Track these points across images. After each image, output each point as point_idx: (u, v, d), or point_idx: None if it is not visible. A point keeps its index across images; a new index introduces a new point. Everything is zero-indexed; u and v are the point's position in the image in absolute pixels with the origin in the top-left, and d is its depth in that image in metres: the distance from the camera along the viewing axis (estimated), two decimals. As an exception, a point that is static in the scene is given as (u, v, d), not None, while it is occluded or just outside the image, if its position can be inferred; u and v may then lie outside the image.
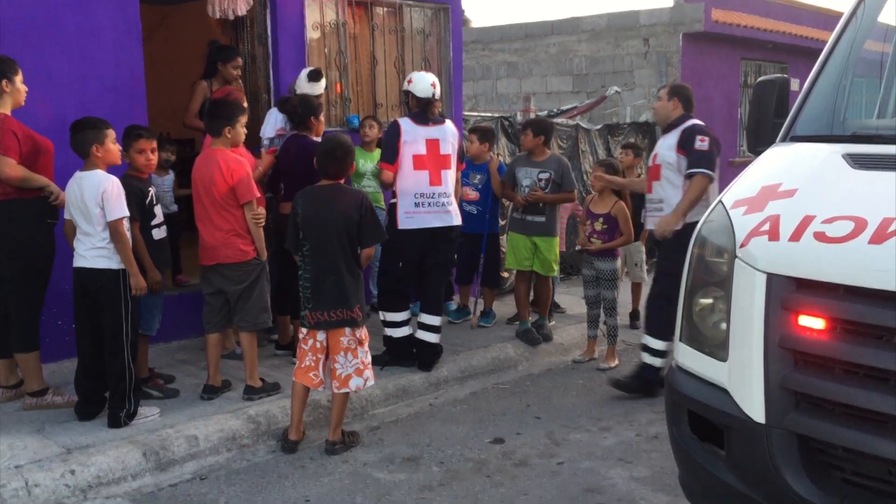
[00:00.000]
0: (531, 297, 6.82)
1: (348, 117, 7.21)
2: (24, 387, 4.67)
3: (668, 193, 5.43)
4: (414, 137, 5.55)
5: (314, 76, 6.09)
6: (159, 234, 4.86)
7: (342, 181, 4.49)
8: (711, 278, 2.95)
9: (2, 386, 4.78)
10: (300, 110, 5.55)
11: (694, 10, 10.87)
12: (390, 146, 5.56)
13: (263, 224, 4.81)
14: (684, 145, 5.34)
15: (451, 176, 5.69)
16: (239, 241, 4.72)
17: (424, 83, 5.65)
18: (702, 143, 5.27)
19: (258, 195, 4.74)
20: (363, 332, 4.44)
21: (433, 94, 5.65)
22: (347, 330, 4.38)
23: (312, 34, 6.94)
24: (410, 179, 5.55)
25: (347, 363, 4.38)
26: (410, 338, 5.73)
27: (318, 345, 4.40)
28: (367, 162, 6.91)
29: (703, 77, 11.30)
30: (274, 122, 5.86)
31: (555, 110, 11.04)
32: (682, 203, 5.29)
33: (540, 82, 12.17)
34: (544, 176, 6.45)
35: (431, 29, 7.87)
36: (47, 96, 5.40)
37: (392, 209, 5.68)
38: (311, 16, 6.92)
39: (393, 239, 5.56)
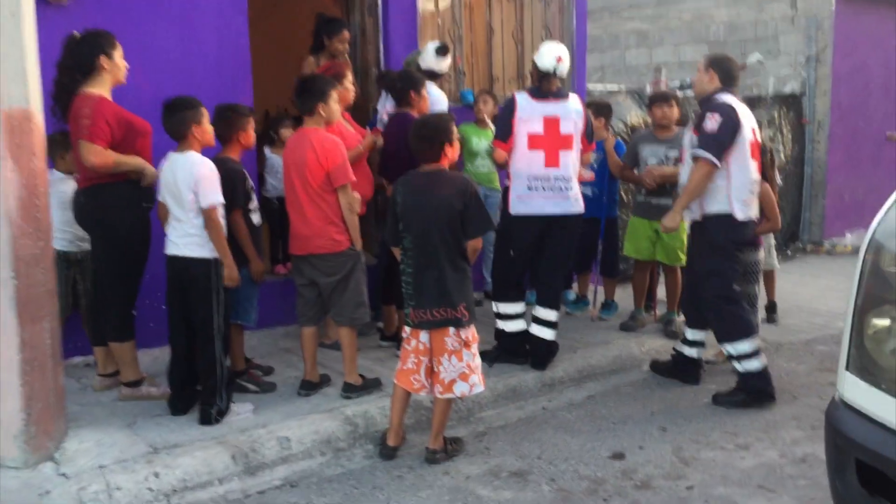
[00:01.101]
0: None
1: (462, 92, 6.77)
2: (120, 376, 4.53)
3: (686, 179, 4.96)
4: (530, 114, 5.05)
5: (442, 51, 5.69)
6: (257, 219, 4.60)
7: (446, 165, 4.05)
8: (890, 294, 2.37)
9: (99, 374, 4.66)
10: (399, 85, 5.15)
11: (850, -32, 9.77)
12: (504, 122, 5.09)
13: (359, 211, 4.44)
14: (698, 124, 4.84)
15: (572, 158, 5.15)
16: (332, 230, 4.38)
17: (549, 55, 5.09)
18: (711, 123, 4.71)
19: (353, 179, 4.37)
20: (470, 333, 4.02)
21: (554, 69, 5.09)
22: (451, 330, 3.96)
23: (425, 4, 6.53)
24: (524, 160, 5.06)
25: (451, 367, 3.98)
26: (524, 332, 5.28)
27: (421, 346, 4.02)
28: (481, 140, 6.46)
29: (858, 43, 10.19)
30: (384, 100, 5.52)
31: (688, 81, 10.23)
32: (681, 195, 4.92)
33: (672, 52, 11.32)
34: (673, 154, 5.83)
35: (553, -4, 7.30)
36: (148, 73, 5.23)
37: (505, 192, 5.22)
38: (424, -15, 6.50)
39: (504, 225, 5.12)
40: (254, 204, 4.58)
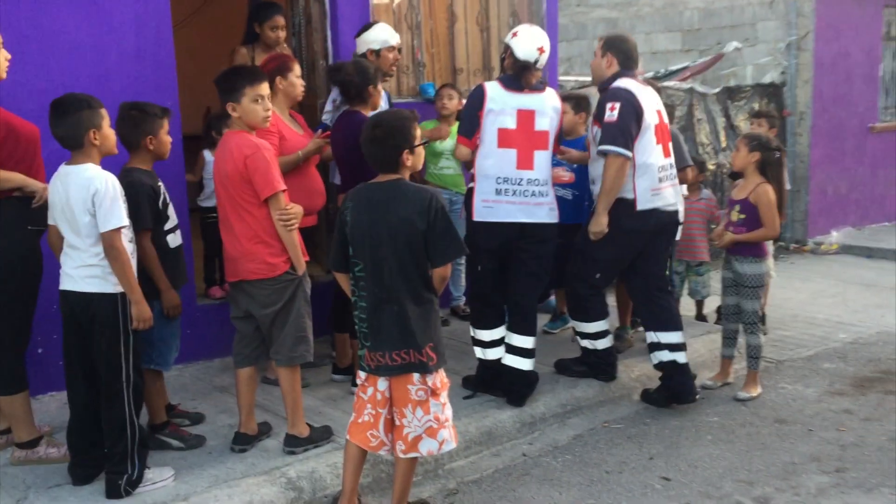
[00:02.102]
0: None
1: (422, 86, 6.03)
2: (12, 434, 3.73)
3: (597, 174, 4.63)
4: (501, 106, 4.34)
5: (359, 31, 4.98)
6: (175, 240, 3.82)
7: (406, 175, 3.30)
8: None
9: (-13, 433, 3.86)
10: (357, 79, 4.38)
11: (832, -51, 9.21)
12: (470, 116, 4.37)
13: (296, 224, 3.68)
14: (598, 116, 4.55)
15: (546, 159, 4.47)
16: (264, 251, 3.61)
17: (530, 44, 4.39)
18: (610, 113, 4.42)
19: (282, 187, 3.60)
20: (438, 379, 3.28)
21: (535, 61, 4.40)
22: (416, 377, 3.22)
23: (378, -14, 5.76)
24: (492, 159, 4.36)
25: (416, 420, 3.24)
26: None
27: (380, 396, 3.27)
28: (445, 139, 5.73)
29: (840, 29, 9.64)
30: (330, 96, 4.77)
31: (662, 71, 9.61)
32: (600, 196, 4.53)
33: (644, 40, 10.68)
34: None
35: (521, -22, 6.58)
36: (49, 66, 4.41)
37: (469, 196, 4.50)
38: (377, -36, 5.74)
39: (468, 233, 4.40)
40: (171, 223, 3.80)
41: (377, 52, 4.88)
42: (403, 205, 3.17)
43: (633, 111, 4.42)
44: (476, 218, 4.39)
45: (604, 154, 4.45)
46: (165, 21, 4.80)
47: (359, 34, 4.98)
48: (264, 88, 3.67)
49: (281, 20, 5.36)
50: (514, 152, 4.36)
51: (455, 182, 5.84)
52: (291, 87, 4.41)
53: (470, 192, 4.49)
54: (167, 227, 3.79)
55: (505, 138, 4.35)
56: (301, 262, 3.70)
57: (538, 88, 4.46)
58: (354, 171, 4.07)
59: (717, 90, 8.82)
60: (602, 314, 4.83)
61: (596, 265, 4.70)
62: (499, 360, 4.54)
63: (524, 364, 4.52)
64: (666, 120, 4.74)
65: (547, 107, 4.44)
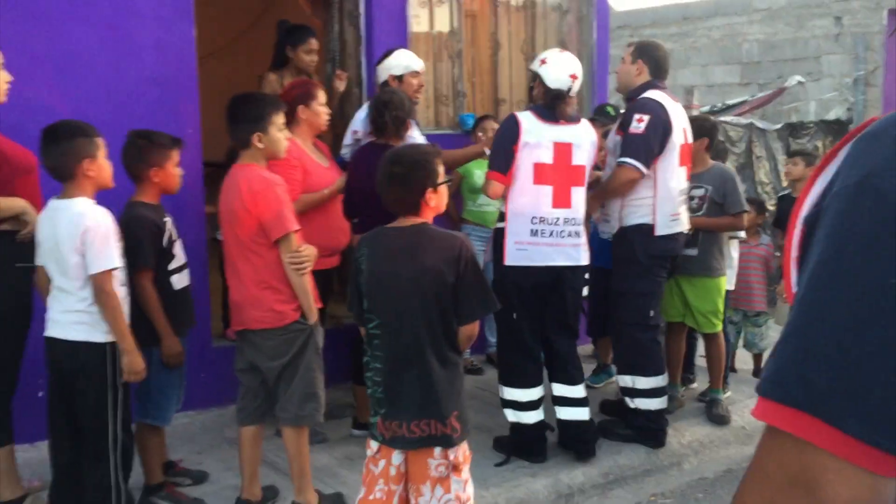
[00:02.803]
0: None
1: (462, 117, 5.68)
2: (-3, 491, 3.41)
3: None
4: (538, 139, 3.97)
5: (380, 58, 4.63)
6: (181, 281, 3.50)
7: (430, 217, 2.91)
8: None
9: (-29, 487, 3.54)
10: (402, 113, 4.00)
11: (905, -20, 8.69)
12: (504, 149, 3.99)
13: (309, 268, 3.31)
14: (623, 125, 4.26)
15: (582, 196, 4.12)
16: (272, 298, 3.24)
17: (561, 70, 4.04)
18: (637, 125, 4.14)
19: (295, 228, 3.24)
20: (461, 452, 2.86)
21: (569, 88, 4.05)
22: (437, 451, 2.80)
23: (417, 10, 5.45)
24: (528, 197, 3.98)
25: (435, 500, 2.82)
26: (543, 424, 4.15)
27: (394, 470, 2.85)
28: (483, 174, 5.35)
29: (912, 63, 9.06)
30: (351, 126, 4.42)
31: (719, 105, 9.14)
32: (597, 191, 4.41)
33: (701, 73, 10.23)
34: (698, 193, 4.72)
35: (570, 5, 6.22)
36: (67, 92, 4.16)
37: (499, 237, 4.09)
38: (417, -12, 5.43)
39: (498, 279, 4.04)
40: (177, 262, 3.48)
41: (400, 78, 4.53)
42: (430, 253, 2.77)
43: (661, 127, 4.15)
44: (508, 262, 4.01)
45: (619, 165, 4.17)
46: (189, 47, 4.52)
47: (379, 61, 4.65)
48: (283, 116, 3.36)
49: (315, 44, 5.06)
50: (551, 189, 3.99)
51: (495, 220, 5.44)
52: (315, 116, 4.08)
53: (499, 232, 4.09)
54: (172, 266, 3.47)
55: (541, 174, 3.98)
56: (312, 311, 3.33)
57: (574, 119, 4.10)
58: (373, 211, 3.70)
59: (778, 126, 8.32)
60: (661, 368, 4.42)
61: (645, 300, 4.32)
62: (537, 423, 4.11)
63: (582, 414, 4.17)
64: (691, 139, 4.44)
65: (584, 140, 4.09)
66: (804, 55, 9.48)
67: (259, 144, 3.29)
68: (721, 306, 4.87)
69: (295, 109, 4.00)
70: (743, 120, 8.06)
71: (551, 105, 4.02)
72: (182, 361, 3.45)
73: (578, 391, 4.16)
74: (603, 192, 4.36)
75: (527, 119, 4.00)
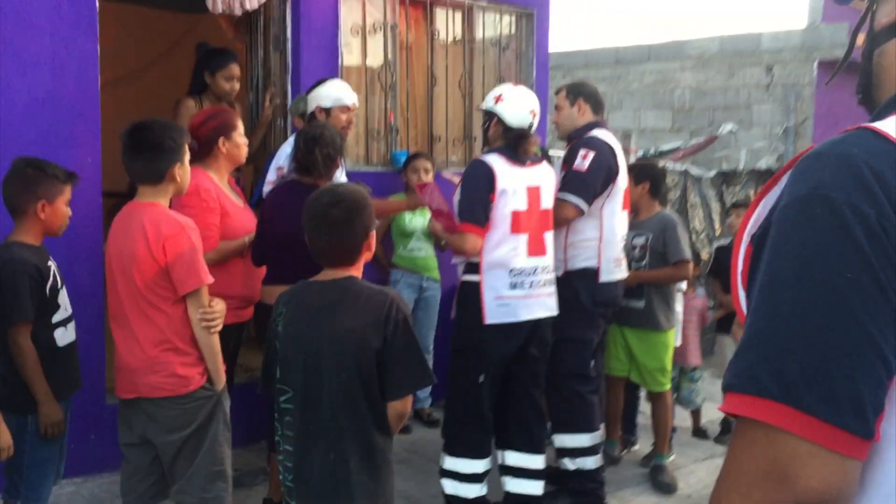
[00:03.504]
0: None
1: (394, 154, 5.30)
2: None
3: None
4: (513, 185, 3.66)
5: (312, 86, 4.26)
6: (65, 336, 2.99)
7: (358, 268, 2.50)
8: None
9: None
10: (332, 150, 3.57)
11: (834, 33, 8.76)
12: (480, 199, 3.62)
13: (219, 326, 2.85)
14: (567, 159, 4.05)
15: (552, 240, 3.85)
16: (175, 360, 2.75)
17: (520, 106, 3.75)
18: (581, 161, 3.94)
19: (208, 280, 2.79)
20: None
21: (530, 125, 3.77)
22: (357, 553, 2.37)
23: (349, 38, 5.07)
24: (505, 247, 3.66)
25: None
26: (485, 500, 3.77)
27: (305, 570, 2.41)
28: (414, 216, 4.98)
29: (841, 115, 9.13)
30: (275, 161, 3.99)
31: (653, 150, 9.03)
32: None
33: (632, 117, 10.16)
34: (639, 241, 4.49)
35: (509, 40, 5.95)
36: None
37: (470, 293, 3.68)
38: (349, 14, 5.06)
39: (472, 341, 3.66)
40: (61, 314, 2.97)
41: (328, 112, 4.14)
42: (352, 312, 2.36)
43: (606, 167, 3.96)
44: (489, 320, 3.63)
45: (560, 202, 3.91)
46: (91, 64, 4.03)
47: (310, 90, 4.25)
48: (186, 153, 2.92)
49: (236, 69, 4.65)
50: (526, 237, 3.69)
51: (427, 265, 5.07)
52: (236, 148, 3.64)
53: (470, 288, 3.68)
54: (56, 318, 2.96)
55: (517, 222, 3.67)
56: (221, 375, 2.86)
57: (536, 160, 3.82)
58: (288, 260, 3.28)
59: (712, 174, 8.22)
60: (598, 423, 4.12)
61: (586, 348, 4.06)
62: (478, 499, 3.71)
63: (535, 488, 3.80)
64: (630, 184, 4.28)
65: (549, 181, 3.85)
66: (735, 104, 9.50)
67: (177, 178, 2.84)
68: (669, 363, 4.60)
69: (213, 141, 3.57)
70: (678, 166, 7.93)
71: (515, 145, 3.70)
72: (63, 431, 2.92)
73: (537, 461, 3.81)
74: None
75: (498, 164, 3.66)
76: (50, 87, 3.90)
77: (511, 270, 3.65)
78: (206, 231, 3.29)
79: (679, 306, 4.90)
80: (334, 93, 4.17)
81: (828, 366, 0.78)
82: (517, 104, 3.73)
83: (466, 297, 3.70)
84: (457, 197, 3.74)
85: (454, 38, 5.60)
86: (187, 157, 2.87)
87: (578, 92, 4.17)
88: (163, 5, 7.22)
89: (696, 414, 5.58)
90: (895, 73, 0.99)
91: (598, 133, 4.07)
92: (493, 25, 5.84)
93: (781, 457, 0.79)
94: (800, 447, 0.78)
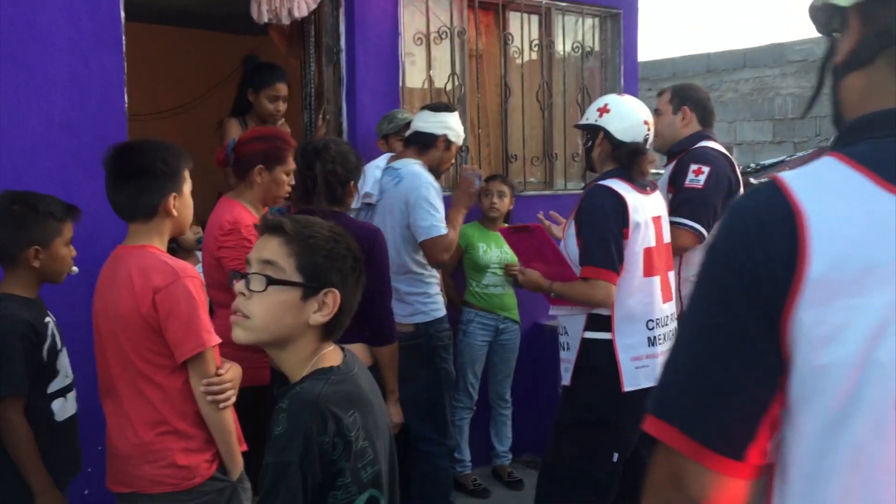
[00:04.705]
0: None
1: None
2: None
3: None
4: (644, 217, 2.99)
5: (440, 107, 3.79)
6: (65, 409, 2.46)
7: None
8: None
9: None
10: (340, 170, 2.98)
11: (961, 27, 7.77)
12: (612, 236, 2.91)
13: (231, 399, 2.25)
14: (675, 178, 3.42)
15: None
16: (175, 446, 2.17)
17: (633, 118, 3.08)
18: (695, 177, 3.31)
19: (215, 341, 2.21)
20: None
21: (646, 139, 3.10)
22: None
23: (411, 48, 4.49)
24: (640, 294, 2.98)
25: None
26: None
27: None
28: (490, 248, 4.34)
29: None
30: (364, 184, 3.45)
31: (752, 166, 8.16)
32: None
33: (727, 130, 9.29)
34: None
35: (593, 45, 5.28)
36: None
37: (599, 354, 2.96)
38: (411, 21, 4.48)
39: (604, 413, 2.95)
40: (61, 381, 2.43)
41: (448, 144, 3.69)
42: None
43: (726, 183, 3.35)
44: (628, 387, 2.92)
45: (676, 226, 3.26)
46: (117, 85, 3.54)
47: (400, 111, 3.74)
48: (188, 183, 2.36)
49: (283, 89, 4.12)
50: (659, 280, 3.02)
51: (505, 304, 4.42)
52: (275, 184, 3.07)
53: (598, 348, 2.97)
54: (54, 387, 2.43)
55: (650, 262, 3.00)
56: (236, 461, 2.26)
57: (653, 185, 3.17)
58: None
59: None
60: None
61: None
62: None
63: None
64: None
65: (665, 209, 3.18)
66: (845, 111, 8.55)
67: (173, 212, 2.28)
68: None
69: (250, 165, 3.03)
70: (785, 182, 7.07)
71: (630, 165, 3.02)
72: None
73: None
74: None
75: (625, 190, 2.98)
76: (66, 111, 3.42)
77: (648, 322, 2.95)
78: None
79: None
80: (459, 129, 3.71)
81: (702, 396, 0.94)
82: (628, 114, 3.06)
83: (593, 361, 2.97)
84: (568, 234, 3.05)
85: (530, 44, 4.96)
86: (188, 186, 2.30)
87: (686, 97, 3.53)
88: (225, 28, 6.82)
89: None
90: (854, 106, 1.05)
91: (709, 144, 3.39)
92: (574, 29, 5.17)
93: (675, 469, 0.96)
94: (685, 463, 0.95)
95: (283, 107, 4.11)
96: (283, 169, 3.06)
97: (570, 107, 5.12)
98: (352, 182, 3.00)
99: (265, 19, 4.06)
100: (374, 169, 3.61)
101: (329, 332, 1.65)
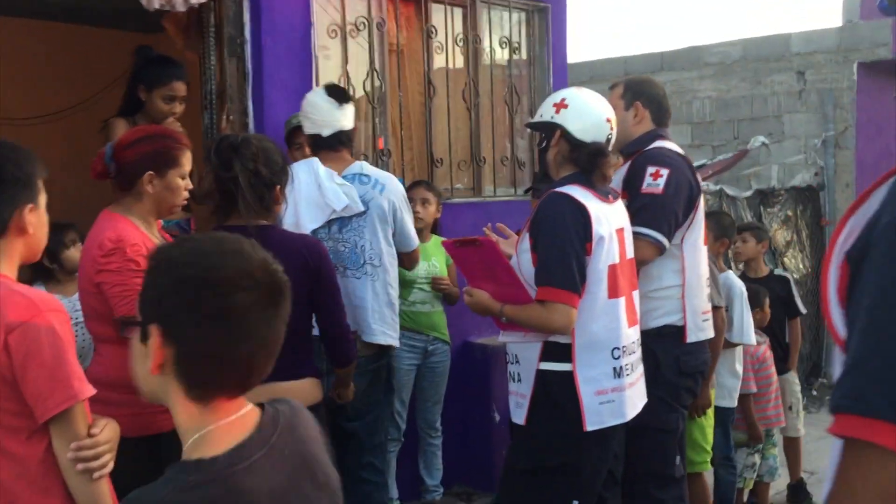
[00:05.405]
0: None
1: (386, 182, 4.25)
2: None
3: None
4: (608, 229, 2.62)
5: (336, 93, 3.27)
6: None
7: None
8: None
9: None
10: (266, 171, 2.54)
11: (875, 31, 7.79)
12: (574, 250, 2.52)
13: (109, 465, 1.76)
14: (629, 182, 3.04)
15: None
16: None
17: (594, 114, 2.71)
18: (653, 181, 2.96)
19: (87, 392, 1.74)
20: None
21: (608, 138, 2.73)
22: None
23: (325, 40, 4.05)
24: (604, 318, 2.59)
25: None
26: None
27: None
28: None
29: (884, 123, 8.18)
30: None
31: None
32: None
33: (647, 133, 9.16)
34: None
35: (520, 41, 4.94)
36: None
37: (556, 390, 2.57)
38: (324, 11, 4.04)
39: (564, 456, 2.57)
40: None
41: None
42: None
43: (686, 187, 3.01)
44: (591, 426, 2.53)
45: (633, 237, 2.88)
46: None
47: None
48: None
49: (181, 88, 3.63)
50: (623, 301, 2.65)
51: (434, 323, 4.03)
52: (168, 192, 2.57)
53: (555, 381, 2.57)
54: None
55: (614, 281, 2.63)
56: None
57: (614, 193, 2.82)
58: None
59: (749, 193, 7.22)
60: None
61: (669, 439, 3.02)
62: None
63: None
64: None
65: (627, 219, 2.83)
66: (763, 114, 8.50)
67: (28, 228, 1.79)
68: (705, 436, 3.68)
69: (136, 174, 2.53)
70: (711, 185, 6.91)
71: (591, 169, 2.65)
72: None
73: None
74: None
75: (587, 199, 2.60)
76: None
77: (614, 351, 2.58)
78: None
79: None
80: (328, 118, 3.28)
81: None
82: (588, 111, 2.69)
83: (551, 396, 2.57)
84: (521, 249, 2.66)
85: (455, 38, 4.58)
86: (43, 198, 1.81)
87: (639, 91, 3.19)
88: (116, 25, 6.19)
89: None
90: None
91: (665, 145, 3.08)
92: (500, 24, 4.83)
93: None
94: None
95: (179, 108, 3.62)
96: (178, 172, 2.57)
97: (497, 107, 4.77)
98: (278, 187, 2.52)
99: (156, 5, 3.55)
100: (330, 180, 3.16)
101: (195, 390, 1.20)
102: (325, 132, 3.22)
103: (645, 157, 3.03)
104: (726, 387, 3.96)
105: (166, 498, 1.11)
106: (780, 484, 4.58)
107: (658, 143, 3.10)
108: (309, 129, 3.22)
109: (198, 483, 1.12)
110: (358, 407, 3.08)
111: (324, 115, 3.22)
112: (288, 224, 2.98)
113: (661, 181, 2.92)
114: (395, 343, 3.31)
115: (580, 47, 33.28)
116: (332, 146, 3.23)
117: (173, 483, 1.12)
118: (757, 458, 4.30)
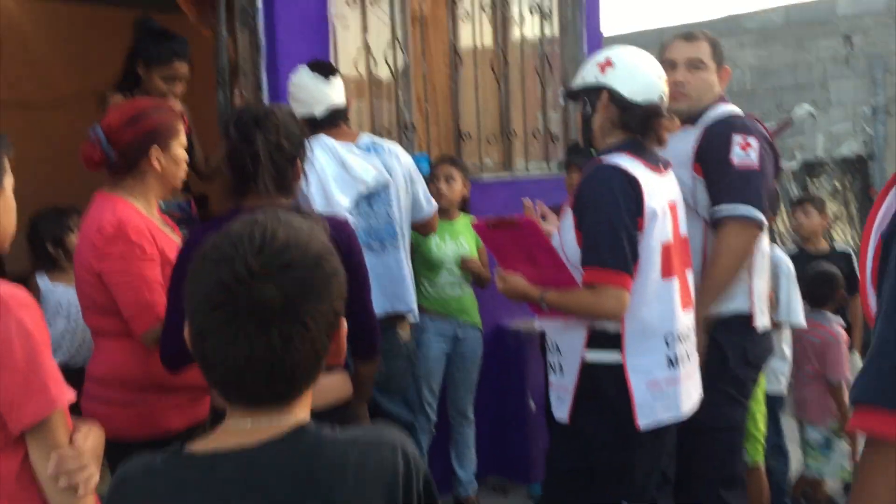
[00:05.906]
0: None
1: (413, 158, 4.02)
2: None
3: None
4: (661, 203, 2.35)
5: (320, 68, 3.05)
6: None
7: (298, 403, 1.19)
8: None
9: None
10: (287, 144, 2.31)
11: (927, -10, 7.39)
12: (625, 226, 2.26)
13: (94, 480, 1.55)
14: (707, 153, 2.67)
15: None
16: None
17: (646, 72, 2.40)
18: (743, 153, 2.60)
19: (67, 398, 1.53)
20: None
21: (662, 97, 2.42)
22: None
23: (342, 9, 3.81)
24: (656, 303, 2.33)
25: None
26: None
27: None
28: (443, 242, 3.71)
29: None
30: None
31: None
32: (703, 292, 2.58)
33: (684, 105, 8.81)
34: None
35: (552, 7, 4.66)
36: None
37: (604, 383, 2.32)
38: (342, -23, 3.80)
39: (612, 457, 2.33)
40: None
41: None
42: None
43: (772, 162, 2.74)
44: (644, 422, 2.28)
45: (718, 222, 2.63)
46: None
47: None
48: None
49: (183, 68, 3.38)
50: (677, 282, 2.37)
51: (464, 307, 3.79)
52: (175, 164, 2.38)
53: (603, 374, 2.32)
54: None
55: (668, 260, 2.36)
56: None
57: (666, 162, 2.52)
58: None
59: (795, 164, 6.87)
60: None
61: (735, 437, 2.79)
62: None
63: None
64: None
65: (679, 193, 2.55)
66: (808, 82, 8.11)
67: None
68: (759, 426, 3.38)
69: (141, 152, 2.32)
70: (754, 158, 6.59)
71: (645, 132, 2.38)
72: None
73: None
74: (717, 280, 2.65)
75: (638, 169, 2.33)
76: None
77: (667, 337, 2.31)
78: (147, 295, 2.20)
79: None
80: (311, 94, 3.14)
81: None
82: (638, 68, 2.38)
83: (598, 389, 2.31)
84: (564, 227, 2.40)
85: (481, 5, 4.32)
86: (10, 181, 1.61)
87: (722, 54, 2.85)
88: (128, 3, 6.00)
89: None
90: None
91: (738, 111, 2.79)
92: (532, -9, 4.55)
93: None
94: None
95: (180, 88, 3.39)
96: (179, 142, 2.40)
97: (527, 78, 4.50)
98: (298, 161, 2.28)
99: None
100: (351, 154, 3.00)
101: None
102: (318, 110, 3.00)
103: (728, 124, 2.69)
104: (774, 371, 3.69)
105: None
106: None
107: (729, 109, 2.79)
108: (300, 111, 2.92)
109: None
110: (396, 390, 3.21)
111: (312, 92, 3.02)
112: (319, 206, 2.81)
113: (753, 154, 2.60)
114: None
115: (612, 19, 32.25)
116: (332, 122, 3.03)
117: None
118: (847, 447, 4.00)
